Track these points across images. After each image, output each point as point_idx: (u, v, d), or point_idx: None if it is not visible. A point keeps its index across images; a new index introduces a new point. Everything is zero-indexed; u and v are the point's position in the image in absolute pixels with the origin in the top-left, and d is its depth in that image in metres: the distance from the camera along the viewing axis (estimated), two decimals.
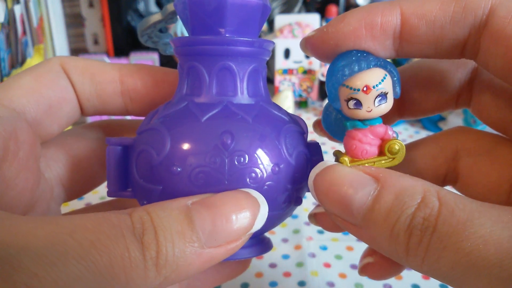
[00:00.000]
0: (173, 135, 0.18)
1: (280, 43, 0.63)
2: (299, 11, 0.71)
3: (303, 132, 0.21)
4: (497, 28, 0.16)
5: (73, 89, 0.21)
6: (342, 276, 0.35)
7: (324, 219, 0.22)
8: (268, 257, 0.37)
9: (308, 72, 0.65)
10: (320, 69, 0.64)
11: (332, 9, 0.67)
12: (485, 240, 0.14)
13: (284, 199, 0.19)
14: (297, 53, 0.64)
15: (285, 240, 0.39)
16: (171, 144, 0.18)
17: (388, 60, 0.18)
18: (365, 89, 0.17)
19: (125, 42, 0.63)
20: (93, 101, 0.22)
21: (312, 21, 0.64)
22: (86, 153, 0.22)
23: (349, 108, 0.17)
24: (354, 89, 0.17)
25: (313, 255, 0.37)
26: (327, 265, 0.36)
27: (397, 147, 0.18)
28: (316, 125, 0.23)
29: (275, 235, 0.40)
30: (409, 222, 0.15)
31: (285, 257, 0.37)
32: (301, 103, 0.67)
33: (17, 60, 0.55)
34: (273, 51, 0.65)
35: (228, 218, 0.16)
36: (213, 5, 0.19)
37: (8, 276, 0.12)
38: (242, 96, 0.20)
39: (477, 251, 0.14)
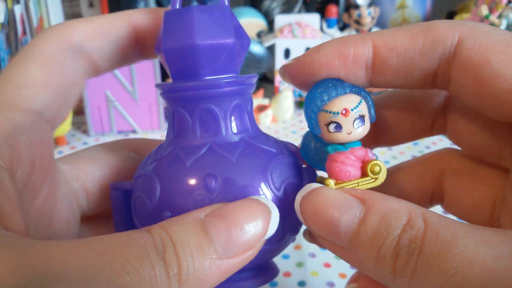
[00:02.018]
0: (162, 182, 0.19)
1: (280, 43, 0.63)
2: (299, 11, 0.71)
3: (293, 160, 0.21)
4: (465, 59, 0.17)
5: (83, 66, 0.20)
6: (342, 276, 0.35)
7: None
8: None
9: None
10: None
11: (332, 9, 0.67)
12: (470, 261, 0.14)
13: (277, 233, 0.18)
14: (297, 53, 0.64)
15: None
16: (160, 191, 0.19)
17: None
18: (344, 112, 0.18)
19: None
20: (110, 57, 0.21)
21: (312, 21, 0.64)
22: (117, 170, 0.22)
23: (330, 132, 0.18)
24: (334, 113, 0.18)
25: (313, 255, 0.37)
26: (327, 265, 0.36)
27: (378, 168, 0.18)
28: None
29: None
30: (396, 244, 0.15)
31: (285, 257, 0.37)
32: (301, 103, 0.67)
33: None
34: (273, 51, 0.65)
35: (242, 227, 0.16)
36: (187, 53, 0.20)
37: None
38: (227, 135, 0.20)
39: (462, 272, 0.14)
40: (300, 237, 0.39)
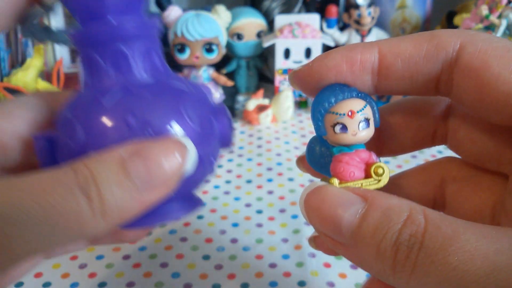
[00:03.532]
0: (83, 124, 0.20)
1: (280, 43, 0.63)
2: (299, 11, 0.71)
3: (205, 96, 0.23)
4: (466, 63, 0.17)
5: None
6: (342, 276, 0.35)
7: (323, 242, 0.22)
8: (268, 257, 0.37)
9: None
10: None
11: (332, 9, 0.67)
12: (472, 254, 0.14)
13: (197, 164, 0.20)
14: (297, 53, 0.64)
15: (285, 240, 0.39)
16: (82, 133, 0.20)
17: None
18: (350, 113, 0.19)
19: None
20: (5, 15, 0.22)
21: (312, 21, 0.64)
22: (34, 123, 0.23)
23: (336, 133, 0.19)
24: (340, 114, 0.19)
25: (313, 255, 0.37)
26: (327, 265, 0.36)
27: (381, 170, 0.19)
28: (300, 162, 0.24)
29: (275, 235, 0.40)
30: (396, 238, 0.15)
31: (285, 257, 0.37)
32: (301, 103, 0.67)
33: (17, 60, 0.55)
34: (273, 51, 0.65)
35: (159, 162, 0.18)
36: None
37: None
38: (140, 76, 0.22)
39: (464, 265, 0.14)
40: (300, 237, 0.39)
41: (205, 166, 0.22)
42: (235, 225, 0.41)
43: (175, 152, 0.19)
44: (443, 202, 0.22)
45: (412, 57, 0.18)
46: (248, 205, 0.44)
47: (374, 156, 0.19)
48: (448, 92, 0.19)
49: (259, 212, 0.43)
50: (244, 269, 0.36)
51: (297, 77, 0.20)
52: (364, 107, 0.19)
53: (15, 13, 0.22)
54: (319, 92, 0.20)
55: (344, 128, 0.19)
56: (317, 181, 0.19)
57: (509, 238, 0.14)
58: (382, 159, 0.21)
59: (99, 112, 0.20)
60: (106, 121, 0.20)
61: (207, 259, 0.37)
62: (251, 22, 0.67)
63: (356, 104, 0.19)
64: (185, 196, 0.23)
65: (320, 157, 0.21)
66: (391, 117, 0.22)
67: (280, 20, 0.65)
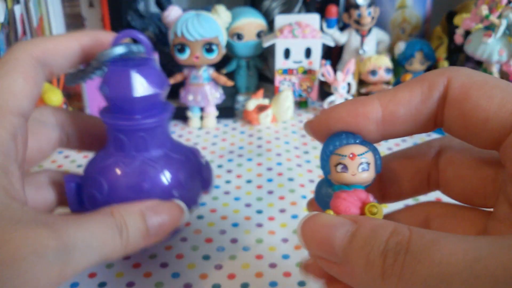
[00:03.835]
0: (108, 182, 0.30)
1: (280, 43, 0.63)
2: (299, 11, 0.70)
3: (196, 158, 0.35)
4: (452, 96, 0.20)
5: (46, 76, 0.27)
6: None
7: (314, 268, 0.24)
8: (268, 257, 0.37)
9: (308, 72, 0.65)
10: (320, 69, 0.64)
11: (332, 9, 0.67)
12: (455, 251, 0.16)
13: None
14: (297, 53, 0.64)
15: (285, 240, 0.39)
16: (109, 190, 0.30)
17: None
18: (351, 155, 0.21)
19: (125, 42, 0.63)
20: (63, 69, 0.29)
21: (312, 21, 0.64)
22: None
23: (337, 172, 0.21)
24: (342, 156, 0.21)
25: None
26: None
27: (375, 209, 0.21)
28: (310, 205, 0.27)
29: (275, 235, 0.40)
30: (383, 247, 0.17)
31: (285, 257, 0.37)
32: (301, 103, 0.67)
33: None
34: (273, 51, 0.65)
35: (165, 219, 0.28)
36: (127, 101, 0.30)
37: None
38: (153, 150, 0.32)
39: (447, 260, 0.16)
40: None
41: (191, 208, 0.33)
42: (235, 225, 0.41)
43: (177, 213, 0.29)
44: None
45: (411, 102, 0.21)
46: (248, 205, 0.44)
47: (371, 198, 0.21)
48: (441, 123, 0.21)
49: (259, 212, 0.43)
50: (244, 269, 0.36)
51: (310, 127, 0.23)
52: (366, 152, 0.21)
53: (69, 67, 0.29)
54: (328, 137, 0.22)
55: (345, 168, 0.21)
56: (313, 211, 0.21)
57: (486, 239, 0.16)
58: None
59: (122, 176, 0.30)
60: (127, 182, 0.30)
61: (207, 259, 0.37)
62: (251, 22, 0.67)
63: (358, 149, 0.21)
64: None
65: (325, 195, 0.23)
66: (390, 164, 0.25)
67: (280, 20, 0.65)
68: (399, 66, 0.66)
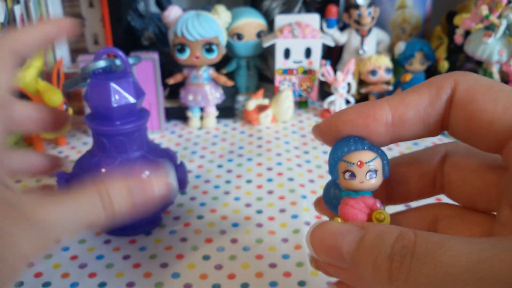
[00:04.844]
0: (93, 179, 0.32)
1: (280, 43, 0.63)
2: (299, 11, 0.70)
3: (173, 160, 0.40)
4: (458, 99, 0.20)
5: (18, 64, 0.28)
6: None
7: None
8: (268, 257, 0.37)
9: (308, 72, 0.65)
10: (320, 69, 0.64)
11: (332, 9, 0.67)
12: (459, 253, 0.16)
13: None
14: (297, 53, 0.64)
15: (285, 240, 0.39)
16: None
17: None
18: (359, 163, 0.21)
19: (125, 42, 0.63)
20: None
21: (312, 21, 0.64)
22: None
23: (345, 179, 0.21)
24: (350, 163, 0.21)
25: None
26: None
27: (382, 216, 0.21)
28: (317, 204, 0.27)
29: (275, 235, 0.40)
30: (389, 251, 0.18)
31: (285, 257, 0.37)
32: (301, 103, 0.67)
33: None
34: (273, 51, 0.65)
35: (151, 189, 0.27)
36: (106, 109, 0.35)
37: None
38: (131, 152, 0.37)
39: (452, 261, 0.16)
40: (300, 237, 0.39)
41: (167, 208, 0.40)
42: (235, 225, 0.41)
43: (162, 185, 0.27)
44: None
45: (420, 105, 0.21)
46: (248, 205, 0.44)
47: (378, 204, 0.21)
48: (447, 126, 0.21)
49: (259, 212, 0.43)
50: (244, 269, 0.36)
51: (318, 130, 0.23)
52: (374, 159, 0.21)
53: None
54: (337, 142, 0.22)
55: (353, 175, 0.21)
56: (321, 219, 0.21)
57: (490, 240, 0.16)
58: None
59: (104, 173, 0.36)
60: (108, 179, 0.33)
61: (207, 259, 0.37)
62: (251, 22, 0.67)
63: (367, 155, 0.21)
64: (154, 217, 0.41)
65: (333, 197, 0.23)
66: (397, 167, 0.25)
67: (280, 20, 0.65)
68: (399, 66, 0.66)
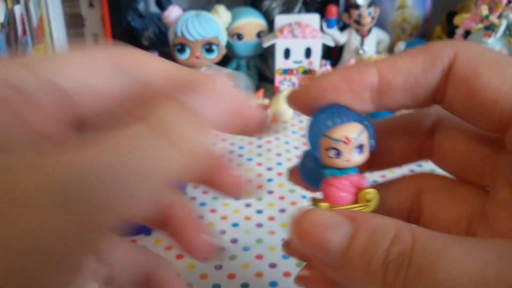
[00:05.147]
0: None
1: (280, 43, 0.63)
2: (299, 11, 0.71)
3: None
4: (458, 72, 0.18)
5: None
6: None
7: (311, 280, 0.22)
8: (268, 257, 0.37)
9: (308, 72, 0.65)
10: (320, 69, 0.64)
11: (332, 9, 0.67)
12: (460, 270, 0.14)
13: None
14: (297, 53, 0.64)
15: None
16: None
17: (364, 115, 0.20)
18: (345, 140, 0.19)
19: (125, 42, 0.63)
20: None
21: (312, 21, 0.64)
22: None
23: (329, 157, 0.19)
24: (335, 140, 0.19)
25: None
26: None
27: (370, 195, 0.19)
28: (291, 175, 0.23)
29: (275, 235, 0.40)
30: (384, 257, 0.16)
31: (285, 257, 0.37)
32: None
33: None
34: (273, 51, 0.65)
35: (214, 84, 0.17)
36: None
37: (88, 200, 0.13)
38: None
39: (453, 280, 0.14)
40: None
41: None
42: (235, 225, 0.41)
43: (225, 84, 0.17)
44: (418, 212, 0.22)
45: (412, 72, 0.19)
46: (248, 205, 0.44)
47: (364, 181, 0.20)
48: (441, 100, 0.19)
49: (259, 212, 0.43)
50: (244, 269, 0.36)
51: (294, 98, 0.20)
52: (361, 133, 0.19)
53: None
54: (316, 113, 0.19)
55: (338, 153, 0.19)
56: (305, 206, 0.19)
57: (494, 251, 0.15)
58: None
59: None
60: None
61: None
62: (251, 22, 0.67)
63: (353, 130, 0.19)
64: None
65: (312, 172, 0.21)
66: (381, 134, 0.22)
67: (280, 20, 0.65)
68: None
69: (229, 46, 0.67)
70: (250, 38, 0.67)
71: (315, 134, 0.19)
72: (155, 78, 0.19)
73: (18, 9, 0.56)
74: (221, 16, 0.59)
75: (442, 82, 0.19)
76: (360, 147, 0.19)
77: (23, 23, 0.57)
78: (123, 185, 0.14)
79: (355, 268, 0.16)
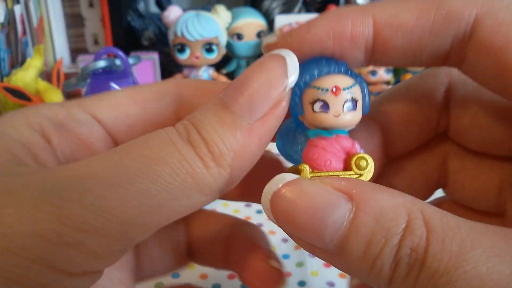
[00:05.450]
0: None
1: None
2: (299, 11, 0.71)
3: None
4: (484, 40, 0.15)
5: None
6: (342, 276, 0.35)
7: None
8: None
9: None
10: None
11: (332, 9, 0.67)
12: (482, 281, 0.12)
13: None
14: None
15: (285, 240, 0.39)
16: None
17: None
18: (334, 89, 0.15)
19: (125, 42, 0.63)
20: None
21: None
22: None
23: (314, 111, 0.15)
24: (323, 89, 0.15)
25: (313, 255, 0.37)
26: (327, 265, 0.36)
27: (365, 162, 0.15)
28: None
29: (275, 235, 0.40)
30: (395, 253, 0.13)
31: (285, 257, 0.37)
32: None
33: (17, 60, 0.55)
34: None
35: (256, 85, 0.15)
36: None
37: (76, 199, 0.13)
38: None
39: None
40: None
41: None
42: None
43: (273, 70, 0.15)
44: (445, 180, 0.20)
45: (415, 30, 0.15)
46: (248, 205, 0.44)
47: (358, 146, 0.16)
48: (458, 65, 0.16)
49: (259, 212, 0.43)
50: None
51: (272, 50, 0.17)
52: (353, 85, 0.15)
53: None
54: (302, 63, 0.16)
55: (326, 106, 0.15)
56: (283, 174, 0.15)
57: None
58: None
59: None
60: None
61: None
62: (251, 22, 0.67)
63: (344, 80, 0.15)
64: None
65: (293, 144, 0.18)
66: (393, 114, 0.19)
67: (280, 20, 0.65)
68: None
69: (229, 46, 0.67)
70: (250, 38, 0.67)
71: (299, 85, 0.16)
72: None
73: (18, 9, 0.56)
74: (221, 16, 0.59)
75: (457, 48, 0.15)
76: (353, 101, 0.15)
77: (23, 23, 0.57)
78: (125, 188, 0.13)
79: (357, 261, 0.13)
